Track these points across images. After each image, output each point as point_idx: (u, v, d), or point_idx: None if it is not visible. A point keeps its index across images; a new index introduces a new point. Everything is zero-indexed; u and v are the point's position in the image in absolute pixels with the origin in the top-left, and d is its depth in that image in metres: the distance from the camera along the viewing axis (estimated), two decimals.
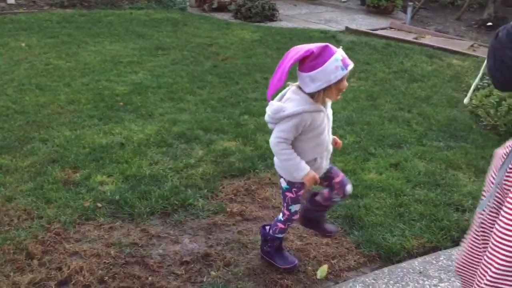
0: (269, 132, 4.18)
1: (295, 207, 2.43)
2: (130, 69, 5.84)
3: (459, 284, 2.47)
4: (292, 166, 2.23)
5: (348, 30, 8.55)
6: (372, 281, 2.48)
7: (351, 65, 2.07)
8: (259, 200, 3.18)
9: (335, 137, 2.43)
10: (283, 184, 2.39)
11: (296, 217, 2.48)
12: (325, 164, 2.36)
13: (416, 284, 2.46)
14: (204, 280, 2.46)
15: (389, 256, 2.69)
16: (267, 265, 2.56)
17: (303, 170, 2.22)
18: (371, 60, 6.70)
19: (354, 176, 3.50)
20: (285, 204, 2.43)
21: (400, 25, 9.21)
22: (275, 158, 2.39)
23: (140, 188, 3.21)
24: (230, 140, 4.03)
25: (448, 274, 2.54)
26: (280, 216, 2.49)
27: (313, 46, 2.06)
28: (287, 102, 2.18)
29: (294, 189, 2.37)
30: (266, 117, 2.25)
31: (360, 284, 2.45)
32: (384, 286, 2.44)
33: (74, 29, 7.63)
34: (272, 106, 2.17)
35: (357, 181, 3.43)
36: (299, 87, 2.18)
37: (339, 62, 2.03)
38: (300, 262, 2.60)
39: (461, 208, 3.14)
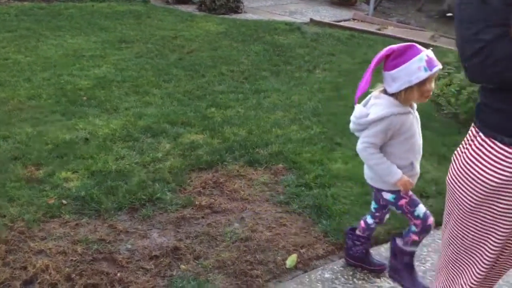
0: (237, 124, 4.24)
1: (420, 210, 2.19)
2: (93, 63, 5.71)
3: (423, 268, 2.54)
4: (383, 170, 2.10)
5: (312, 21, 8.61)
6: (341, 268, 2.53)
7: (437, 67, 1.96)
8: (227, 192, 3.18)
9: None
10: (388, 196, 2.22)
11: (430, 221, 2.21)
12: (418, 169, 2.22)
13: None
14: (174, 274, 2.45)
15: None
16: (237, 257, 2.57)
17: (396, 174, 2.09)
18: (335, 51, 6.78)
19: (321, 166, 3.55)
20: (409, 214, 2.21)
21: (363, 16, 9.34)
22: (366, 172, 2.27)
23: (106, 184, 3.16)
24: (197, 133, 4.01)
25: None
26: (413, 227, 2.23)
27: (397, 45, 2.02)
28: (371, 107, 2.10)
29: (401, 193, 2.19)
30: (351, 125, 2.16)
31: (328, 272, 2.49)
32: (352, 273, 2.49)
33: (33, 23, 7.39)
34: (356, 110, 2.12)
35: (324, 171, 3.47)
36: (382, 91, 2.10)
37: (423, 62, 1.94)
38: (270, 252, 2.63)
39: (425, 194, 3.22)
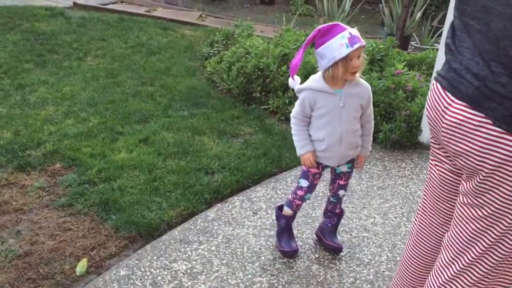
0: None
1: (302, 182, 2.46)
2: None
3: (216, 242, 2.62)
4: (295, 141, 2.33)
5: (76, 5, 8.04)
6: (136, 261, 2.43)
7: (358, 44, 2.07)
8: None
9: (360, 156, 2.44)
10: None
11: (300, 193, 2.48)
12: (339, 152, 2.31)
13: (178, 253, 2.51)
14: None
15: (150, 233, 2.67)
16: (16, 277, 2.25)
17: (300, 149, 2.32)
18: (106, 36, 6.47)
19: (104, 159, 3.35)
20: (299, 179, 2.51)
21: None
22: None
23: None
24: None
25: (206, 236, 2.66)
26: (293, 189, 2.55)
27: (323, 25, 2.14)
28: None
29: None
30: None
31: (124, 269, 2.37)
32: (148, 263, 2.42)
33: None
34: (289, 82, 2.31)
35: (108, 163, 3.29)
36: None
37: (345, 39, 2.06)
38: (56, 263, 2.37)
39: (210, 171, 3.31)
